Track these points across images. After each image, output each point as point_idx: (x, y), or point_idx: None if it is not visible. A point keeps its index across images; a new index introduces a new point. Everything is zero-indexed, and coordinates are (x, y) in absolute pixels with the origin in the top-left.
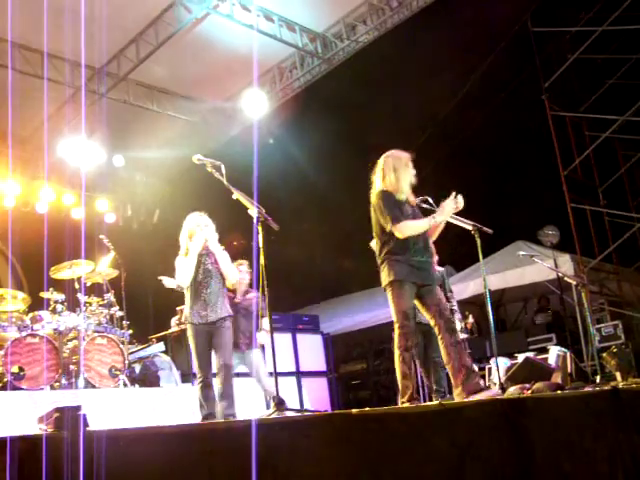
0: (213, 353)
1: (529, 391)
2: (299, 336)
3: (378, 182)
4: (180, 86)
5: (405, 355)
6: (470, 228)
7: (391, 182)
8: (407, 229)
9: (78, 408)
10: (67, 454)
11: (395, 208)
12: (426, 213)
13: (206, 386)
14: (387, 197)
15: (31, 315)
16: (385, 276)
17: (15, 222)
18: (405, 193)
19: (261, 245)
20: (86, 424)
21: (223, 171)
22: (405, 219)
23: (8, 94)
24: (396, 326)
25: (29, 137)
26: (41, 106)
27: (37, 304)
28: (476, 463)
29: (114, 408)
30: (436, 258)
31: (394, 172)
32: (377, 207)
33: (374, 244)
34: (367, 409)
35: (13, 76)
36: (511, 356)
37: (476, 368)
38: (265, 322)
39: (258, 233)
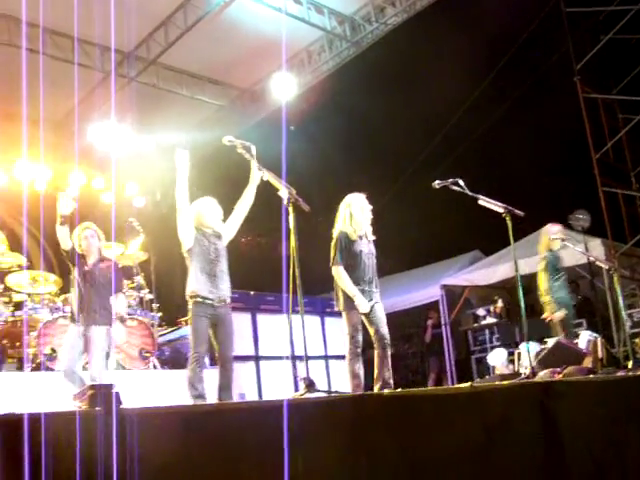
0: (216, 341)
1: (560, 375)
2: (327, 319)
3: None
4: (208, 70)
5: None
6: (501, 211)
7: (347, 224)
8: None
9: (111, 386)
10: (100, 430)
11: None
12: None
13: (201, 366)
14: (340, 239)
15: (62, 297)
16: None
17: (46, 206)
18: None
19: (292, 227)
20: (119, 402)
21: (254, 152)
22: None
23: (40, 79)
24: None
25: (60, 122)
26: (72, 91)
27: (68, 286)
28: (505, 445)
29: (144, 389)
30: None
31: (350, 216)
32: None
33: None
34: (398, 390)
35: (44, 61)
36: (541, 341)
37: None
38: (121, 298)
39: (288, 214)
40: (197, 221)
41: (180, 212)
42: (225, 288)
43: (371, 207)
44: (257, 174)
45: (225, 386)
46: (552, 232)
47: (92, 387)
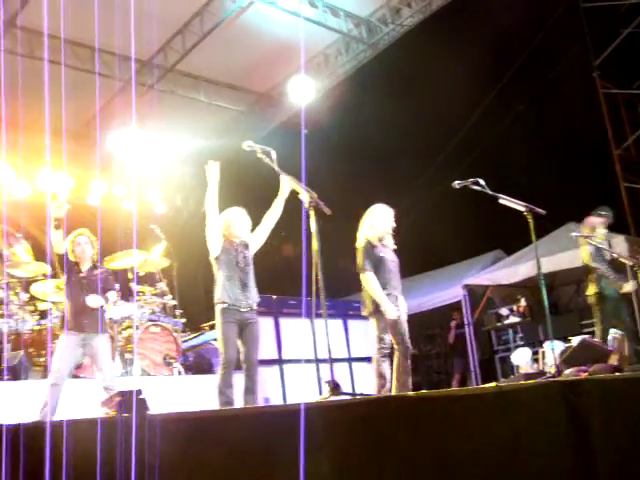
0: (243, 345)
1: (586, 373)
2: (350, 322)
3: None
4: (226, 76)
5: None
6: (522, 209)
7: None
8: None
9: (139, 392)
10: (130, 436)
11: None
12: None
13: (230, 373)
14: (366, 246)
15: None
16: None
17: (69, 215)
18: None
19: (314, 230)
20: (146, 407)
21: (274, 157)
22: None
23: (61, 90)
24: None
25: (80, 131)
26: (92, 100)
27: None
28: (532, 445)
29: (170, 395)
30: None
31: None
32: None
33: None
34: (423, 391)
35: (65, 72)
36: (564, 339)
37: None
38: (112, 295)
39: (309, 217)
40: (226, 230)
41: (209, 221)
42: (252, 296)
43: (394, 217)
44: (287, 187)
45: (250, 390)
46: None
47: (120, 394)
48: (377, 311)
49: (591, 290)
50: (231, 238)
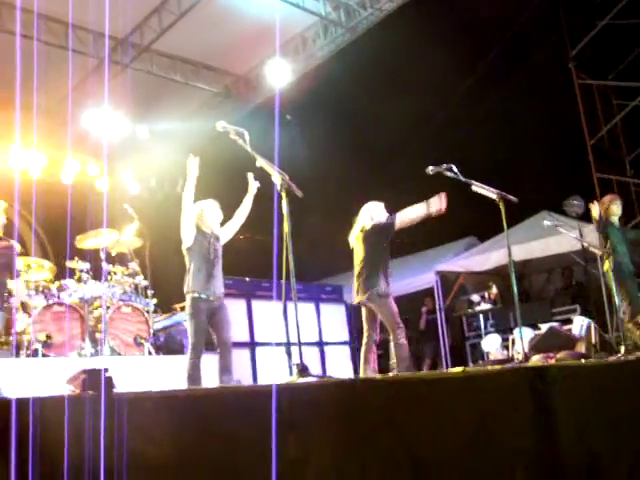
0: (214, 329)
1: (553, 360)
2: (322, 306)
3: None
4: (203, 56)
5: None
6: (495, 197)
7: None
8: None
9: (105, 370)
10: (92, 414)
11: None
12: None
13: (199, 357)
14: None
15: (57, 284)
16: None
17: (40, 193)
18: None
19: (285, 212)
20: (112, 386)
21: (247, 138)
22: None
23: (34, 65)
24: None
25: (54, 108)
26: (66, 77)
27: (63, 273)
28: (498, 430)
29: (139, 375)
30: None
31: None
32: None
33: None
34: (390, 374)
35: (38, 47)
36: (535, 327)
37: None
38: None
39: (281, 199)
40: (198, 221)
41: (184, 212)
42: (220, 286)
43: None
44: (254, 184)
45: (225, 369)
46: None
47: (85, 371)
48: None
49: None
50: (203, 229)
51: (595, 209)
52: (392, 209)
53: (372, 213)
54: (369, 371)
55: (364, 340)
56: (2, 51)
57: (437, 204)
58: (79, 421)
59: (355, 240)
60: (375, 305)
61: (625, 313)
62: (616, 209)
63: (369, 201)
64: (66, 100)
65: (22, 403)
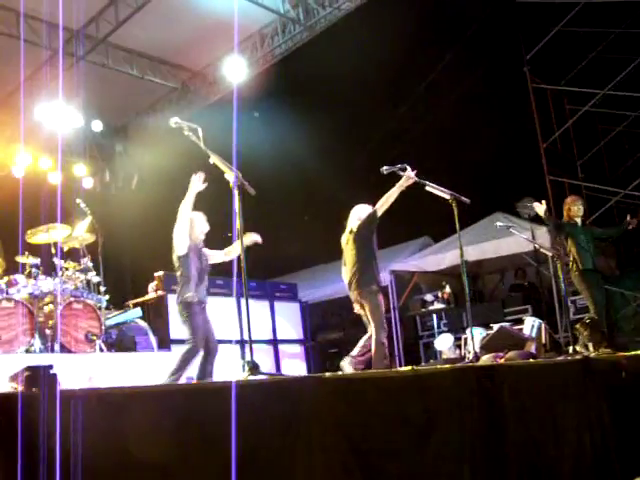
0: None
1: (502, 359)
2: (277, 304)
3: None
4: (160, 51)
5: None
6: (448, 197)
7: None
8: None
9: (49, 367)
10: (38, 411)
11: None
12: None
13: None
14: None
15: (6, 279)
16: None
17: None
18: None
19: (238, 210)
20: (56, 383)
21: (200, 134)
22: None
23: None
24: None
25: (5, 100)
26: (17, 69)
27: (12, 268)
28: (446, 428)
29: (90, 372)
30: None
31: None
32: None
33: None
34: (339, 373)
35: None
36: (487, 326)
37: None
38: None
39: (235, 197)
40: (192, 232)
41: (180, 223)
42: (206, 292)
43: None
44: (237, 248)
45: (210, 373)
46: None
47: (29, 368)
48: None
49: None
50: (195, 239)
51: (540, 208)
52: (350, 205)
53: (360, 214)
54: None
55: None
56: None
57: (407, 179)
58: (27, 418)
59: (346, 242)
60: (367, 301)
61: (589, 311)
62: (577, 210)
63: (328, 198)
64: (18, 92)
65: None
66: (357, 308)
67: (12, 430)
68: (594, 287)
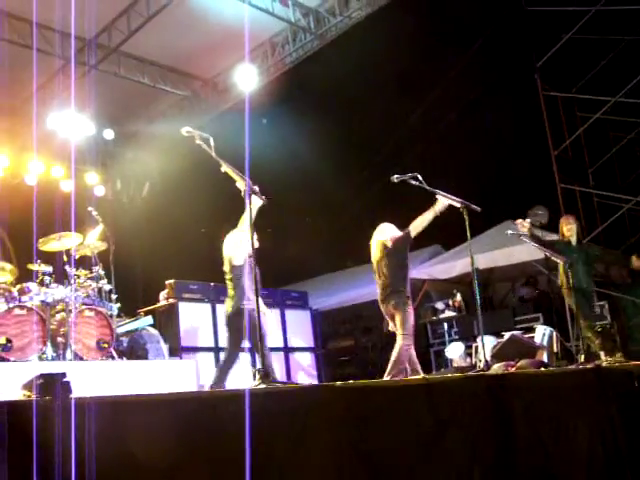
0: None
1: (513, 368)
2: (288, 312)
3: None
4: (172, 59)
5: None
6: (459, 206)
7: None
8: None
9: (62, 375)
10: (52, 419)
11: None
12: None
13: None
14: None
15: (19, 287)
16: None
17: (3, 194)
18: None
19: (249, 219)
20: (69, 390)
21: (212, 143)
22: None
23: None
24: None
25: (18, 108)
26: (31, 77)
27: (25, 276)
28: (457, 436)
29: (102, 380)
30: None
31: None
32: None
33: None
34: (350, 382)
35: (2, 46)
36: (498, 335)
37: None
38: None
39: (248, 205)
40: (244, 245)
41: (239, 235)
42: None
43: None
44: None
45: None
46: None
47: (42, 376)
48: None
49: None
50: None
51: (524, 228)
52: (361, 212)
53: (388, 232)
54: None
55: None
56: None
57: (441, 205)
58: (40, 426)
59: (379, 258)
60: (398, 312)
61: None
62: (567, 230)
63: (339, 206)
64: (31, 100)
65: None
66: (390, 326)
67: (26, 437)
68: (583, 306)
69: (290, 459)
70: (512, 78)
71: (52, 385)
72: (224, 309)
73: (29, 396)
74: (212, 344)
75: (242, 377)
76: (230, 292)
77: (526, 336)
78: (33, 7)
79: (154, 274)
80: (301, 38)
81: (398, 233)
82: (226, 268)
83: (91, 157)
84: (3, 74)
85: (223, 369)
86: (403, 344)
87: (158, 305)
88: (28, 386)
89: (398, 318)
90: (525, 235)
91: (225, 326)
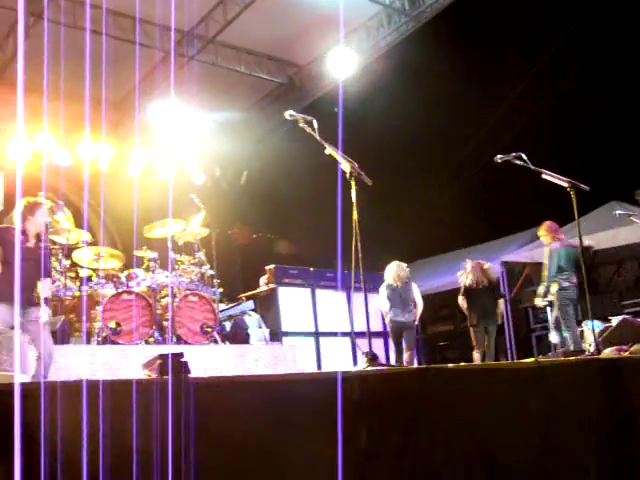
0: None
1: (627, 352)
2: (370, 296)
3: None
4: (267, 47)
5: None
6: (566, 185)
7: None
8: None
9: (181, 355)
10: (169, 398)
11: None
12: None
13: None
14: None
15: (126, 273)
16: None
17: (108, 184)
18: None
19: (354, 200)
20: (187, 371)
21: (315, 126)
22: None
23: (102, 59)
24: None
25: (121, 101)
26: (133, 71)
27: (131, 262)
28: (569, 422)
29: (206, 363)
30: None
31: None
32: None
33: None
34: (462, 364)
35: (106, 42)
36: (604, 319)
37: None
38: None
39: (350, 188)
40: None
41: None
42: None
43: None
44: None
45: None
46: None
47: (161, 356)
48: None
49: None
50: None
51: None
52: (454, 199)
53: None
54: None
55: None
56: (73, 47)
57: None
58: (159, 404)
59: None
60: None
61: None
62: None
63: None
64: (133, 93)
65: (93, 386)
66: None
67: (148, 414)
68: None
69: (398, 443)
70: (623, 49)
71: (172, 365)
72: None
73: (149, 375)
74: (312, 329)
75: (342, 360)
76: None
77: (638, 320)
78: (136, 3)
79: (254, 260)
80: (396, 20)
81: None
82: None
83: (190, 145)
84: (109, 69)
85: None
86: None
87: (258, 290)
88: (149, 365)
89: None
90: (637, 215)
91: None
